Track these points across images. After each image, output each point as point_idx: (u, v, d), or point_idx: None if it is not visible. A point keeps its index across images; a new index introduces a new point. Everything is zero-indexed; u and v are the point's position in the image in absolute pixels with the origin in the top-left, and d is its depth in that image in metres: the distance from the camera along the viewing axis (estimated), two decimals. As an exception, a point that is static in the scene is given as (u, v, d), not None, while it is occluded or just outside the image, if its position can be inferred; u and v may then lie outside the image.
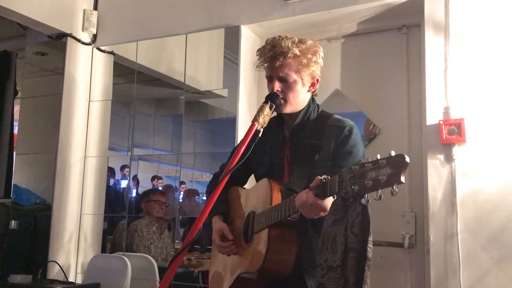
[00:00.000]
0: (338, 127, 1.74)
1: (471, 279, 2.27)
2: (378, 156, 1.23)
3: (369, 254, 1.28)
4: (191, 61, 3.31)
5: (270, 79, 1.78)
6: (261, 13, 2.94)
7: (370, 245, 1.28)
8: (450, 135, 2.36)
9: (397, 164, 1.18)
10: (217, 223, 1.84)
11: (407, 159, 1.18)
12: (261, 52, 1.78)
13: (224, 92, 3.52)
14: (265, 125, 1.65)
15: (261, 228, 1.65)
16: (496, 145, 2.32)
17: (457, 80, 2.42)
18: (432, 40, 2.49)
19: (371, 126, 2.78)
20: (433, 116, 2.43)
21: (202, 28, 3.17)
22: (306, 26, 2.89)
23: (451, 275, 2.30)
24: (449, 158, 2.38)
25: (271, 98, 1.71)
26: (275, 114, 1.81)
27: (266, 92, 1.77)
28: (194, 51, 3.35)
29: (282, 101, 1.75)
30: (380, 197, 1.21)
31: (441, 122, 2.39)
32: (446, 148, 2.39)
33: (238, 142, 2.82)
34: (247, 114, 2.98)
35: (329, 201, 1.42)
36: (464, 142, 2.35)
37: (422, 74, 2.57)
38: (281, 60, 1.72)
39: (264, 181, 1.74)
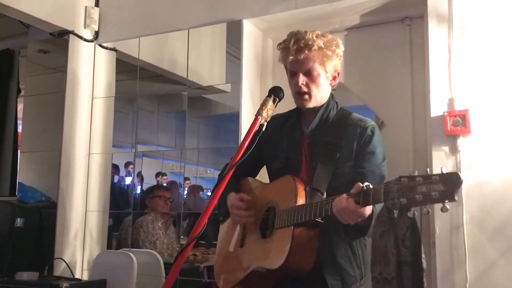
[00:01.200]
0: (360, 127, 1.73)
1: (477, 271, 2.27)
2: (428, 171, 1.25)
3: (424, 265, 1.31)
4: (193, 56, 3.31)
5: (294, 74, 1.76)
6: (263, 7, 2.92)
7: (423, 255, 1.31)
8: (454, 127, 2.35)
9: (451, 182, 1.21)
10: (233, 195, 1.81)
11: (462, 177, 1.21)
12: (284, 45, 1.76)
13: (227, 87, 3.51)
14: (268, 119, 1.62)
15: (285, 225, 1.63)
16: (501, 136, 2.31)
17: (461, 71, 2.40)
18: (435, 32, 2.48)
19: (379, 121, 2.76)
20: (437, 108, 2.42)
21: (204, 23, 3.16)
22: (309, 19, 2.88)
23: (457, 267, 2.30)
24: (454, 150, 2.37)
25: (275, 92, 1.69)
26: (280, 107, 1.79)
27: (269, 86, 1.76)
28: (196, 47, 3.34)
29: (306, 96, 1.74)
30: (428, 211, 1.25)
31: (446, 113, 2.38)
32: (451, 139, 2.38)
33: (242, 137, 2.82)
34: (251, 108, 2.97)
35: (367, 209, 1.43)
36: (469, 133, 2.34)
37: (426, 66, 2.56)
38: (306, 52, 1.71)
39: (288, 177, 1.72)
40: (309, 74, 1.73)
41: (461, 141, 2.36)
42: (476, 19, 2.41)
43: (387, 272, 1.35)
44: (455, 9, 2.44)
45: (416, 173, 1.26)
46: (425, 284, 1.29)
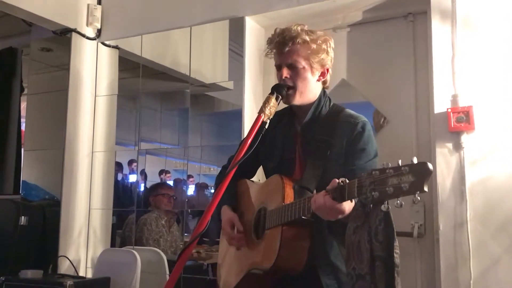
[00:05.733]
0: (351, 123, 1.70)
1: (481, 268, 2.26)
2: (399, 162, 1.21)
3: (397, 260, 1.26)
4: (196, 54, 3.30)
5: (279, 68, 1.74)
6: (265, 3, 2.91)
7: (396, 250, 1.27)
8: (458, 123, 2.34)
9: (420, 172, 1.17)
10: (227, 213, 1.82)
11: (431, 167, 1.16)
12: (270, 39, 1.75)
13: (230, 85, 3.51)
14: (271, 117, 1.62)
15: (274, 225, 1.63)
16: (505, 132, 2.30)
17: (464, 67, 2.39)
18: (438, 27, 2.47)
19: (382, 117, 2.75)
20: (441, 104, 2.41)
21: (206, 20, 3.15)
22: (311, 16, 2.87)
23: (461, 264, 2.29)
24: (457, 146, 2.36)
25: (277, 89, 1.68)
26: (282, 105, 1.78)
27: (272, 83, 1.75)
28: (198, 44, 3.34)
29: (291, 90, 1.70)
30: (401, 205, 1.19)
31: (449, 110, 2.36)
32: (454, 136, 2.37)
33: (245, 134, 2.82)
34: (253, 106, 2.97)
35: (347, 204, 1.40)
36: (473, 130, 2.33)
37: (429, 62, 2.55)
38: (290, 45, 1.69)
39: (276, 177, 1.71)
40: (293, 67, 1.70)
41: (464, 138, 2.35)
42: (480, 15, 2.39)
43: (360, 268, 1.32)
44: (458, 5, 2.42)
45: (389, 165, 1.23)
46: (398, 280, 1.26)
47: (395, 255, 1.26)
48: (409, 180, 1.17)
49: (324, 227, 1.64)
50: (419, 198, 1.16)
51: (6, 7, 3.03)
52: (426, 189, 1.15)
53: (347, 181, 1.36)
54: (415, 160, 1.19)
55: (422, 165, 1.17)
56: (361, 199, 1.30)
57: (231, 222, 1.79)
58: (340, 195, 1.37)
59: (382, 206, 1.23)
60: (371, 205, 1.29)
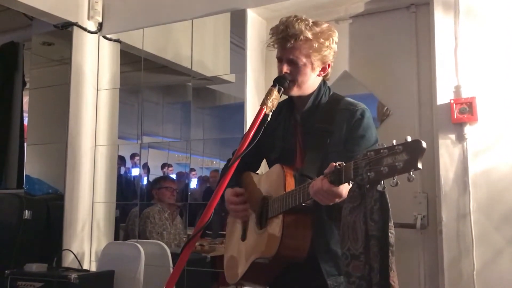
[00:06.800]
0: (350, 110, 1.71)
1: (484, 259, 2.27)
2: (394, 142, 1.22)
3: (391, 240, 1.28)
4: (197, 47, 3.30)
5: (280, 60, 1.76)
6: (267, -5, 2.90)
7: (391, 230, 1.28)
8: (461, 114, 2.33)
9: (413, 150, 1.18)
10: (229, 190, 1.83)
11: (424, 144, 1.18)
12: (274, 31, 1.76)
13: (232, 78, 3.50)
14: (273, 109, 1.63)
15: (276, 214, 1.64)
16: (509, 123, 2.30)
17: (467, 58, 2.38)
18: (441, 18, 2.45)
19: (385, 109, 2.75)
20: (443, 96, 2.41)
21: (207, 13, 3.14)
22: (313, 7, 2.85)
23: (464, 255, 2.30)
24: (460, 138, 2.36)
25: (279, 81, 1.69)
26: (284, 97, 1.79)
27: (274, 76, 1.75)
28: (200, 37, 3.33)
29: (290, 83, 1.72)
30: (397, 183, 1.21)
31: (452, 101, 2.36)
32: (457, 127, 2.37)
33: (247, 127, 2.82)
34: (255, 99, 2.96)
35: (344, 188, 1.41)
36: (476, 121, 2.32)
37: (432, 53, 2.54)
38: (292, 42, 1.70)
39: (277, 166, 1.73)
40: (294, 63, 1.72)
41: (468, 129, 2.34)
42: (482, 5, 2.38)
43: (355, 248, 1.33)
44: (461, -5, 2.41)
45: (384, 146, 1.24)
46: (392, 259, 1.27)
47: (390, 234, 1.28)
48: (403, 158, 1.19)
49: (323, 214, 1.65)
50: (413, 176, 1.18)
51: (7, 1, 3.04)
52: (420, 166, 1.17)
53: (344, 164, 1.37)
54: (408, 139, 1.20)
55: (415, 142, 1.19)
56: (357, 180, 1.31)
57: (233, 191, 1.81)
58: (338, 178, 1.38)
59: (378, 185, 1.26)
60: (367, 186, 1.30)
